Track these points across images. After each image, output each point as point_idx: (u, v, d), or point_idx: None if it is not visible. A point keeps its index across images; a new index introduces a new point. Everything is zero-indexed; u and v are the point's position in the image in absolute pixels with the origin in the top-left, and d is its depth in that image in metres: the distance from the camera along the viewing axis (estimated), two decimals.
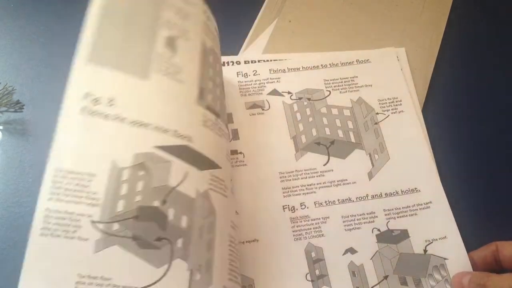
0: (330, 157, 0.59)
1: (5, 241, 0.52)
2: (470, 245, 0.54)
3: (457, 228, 0.55)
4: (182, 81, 0.47)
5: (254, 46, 0.68)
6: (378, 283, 0.52)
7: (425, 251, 0.54)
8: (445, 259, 0.53)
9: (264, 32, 0.69)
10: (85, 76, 0.44)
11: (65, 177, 0.40)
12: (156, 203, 0.42)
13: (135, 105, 0.44)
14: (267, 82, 0.63)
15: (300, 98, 0.62)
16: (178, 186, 0.44)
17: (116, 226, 0.40)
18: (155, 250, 0.41)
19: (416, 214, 0.56)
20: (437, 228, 0.55)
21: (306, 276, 0.53)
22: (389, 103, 0.62)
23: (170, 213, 0.42)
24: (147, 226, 0.41)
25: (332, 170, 0.58)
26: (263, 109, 0.61)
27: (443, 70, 0.63)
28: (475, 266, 0.52)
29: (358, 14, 0.71)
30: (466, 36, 0.70)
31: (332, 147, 0.59)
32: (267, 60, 0.65)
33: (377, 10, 0.71)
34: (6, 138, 0.58)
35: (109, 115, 0.43)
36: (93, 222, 0.40)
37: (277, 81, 0.63)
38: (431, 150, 0.60)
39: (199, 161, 0.45)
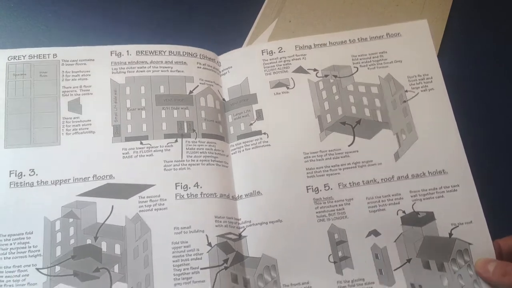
0: (356, 138, 0.58)
1: None
2: (495, 231, 0.53)
3: (482, 213, 0.54)
4: (93, 131, 0.57)
5: None
6: (401, 266, 0.52)
7: (450, 234, 0.53)
8: (469, 244, 0.53)
9: (264, 32, 0.68)
10: (6, 159, 0.54)
11: (8, 239, 0.51)
12: (89, 241, 0.52)
13: (52, 168, 0.54)
14: (292, 59, 0.62)
15: (326, 76, 0.61)
16: (106, 220, 0.53)
17: (58, 268, 0.51)
18: (95, 280, 0.51)
19: (443, 197, 0.55)
20: (463, 212, 0.54)
21: (329, 257, 0.53)
22: (419, 80, 0.60)
23: (103, 246, 0.52)
24: (84, 261, 0.51)
25: (357, 151, 0.57)
26: (288, 88, 0.60)
27: (443, 70, 0.61)
28: (499, 253, 0.52)
29: (358, 14, 0.69)
30: (466, 36, 0.68)
31: (358, 127, 0.58)
32: None
33: (377, 10, 0.69)
34: None
35: (33, 183, 0.54)
36: (37, 269, 0.50)
37: (303, 57, 0.62)
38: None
39: (124, 191, 0.54)
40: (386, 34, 0.63)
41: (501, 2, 0.71)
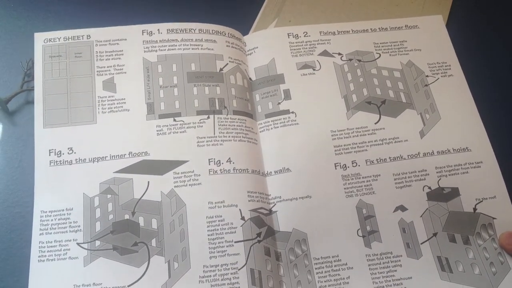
0: (382, 116, 0.59)
1: (5, 241, 0.53)
2: None
3: (506, 188, 0.56)
4: (127, 109, 0.58)
5: None
6: (428, 239, 0.53)
7: (474, 209, 0.55)
8: (493, 218, 0.54)
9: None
10: (45, 138, 0.56)
11: (49, 215, 0.53)
12: (127, 216, 0.53)
13: (90, 146, 0.56)
14: (317, 43, 0.64)
15: (350, 59, 0.63)
16: (143, 196, 0.54)
17: (98, 243, 0.52)
18: (134, 253, 0.52)
19: (467, 173, 0.56)
20: (487, 188, 0.56)
21: (357, 231, 0.54)
22: (438, 67, 0.63)
23: (141, 220, 0.53)
24: (123, 236, 0.52)
25: (384, 128, 0.59)
26: (314, 69, 0.62)
27: None
28: None
29: (358, 14, 0.70)
30: (465, 36, 0.69)
31: (383, 106, 0.60)
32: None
33: (377, 10, 0.70)
34: (6, 138, 0.59)
35: (72, 161, 0.55)
36: (78, 244, 0.52)
37: (328, 42, 0.64)
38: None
39: (159, 167, 0.55)
40: (405, 26, 0.66)
41: (500, 3, 0.73)
